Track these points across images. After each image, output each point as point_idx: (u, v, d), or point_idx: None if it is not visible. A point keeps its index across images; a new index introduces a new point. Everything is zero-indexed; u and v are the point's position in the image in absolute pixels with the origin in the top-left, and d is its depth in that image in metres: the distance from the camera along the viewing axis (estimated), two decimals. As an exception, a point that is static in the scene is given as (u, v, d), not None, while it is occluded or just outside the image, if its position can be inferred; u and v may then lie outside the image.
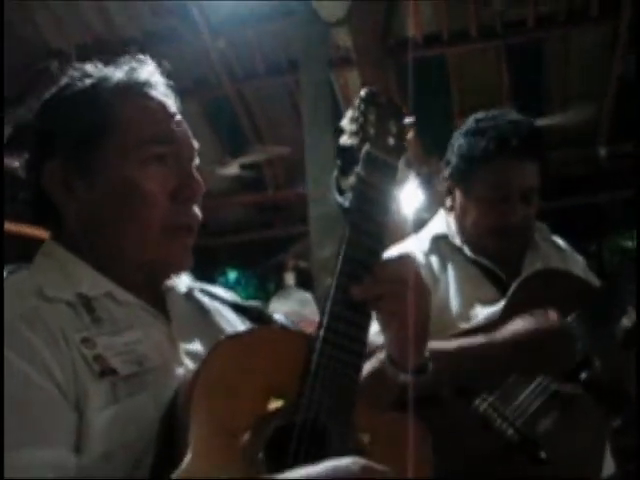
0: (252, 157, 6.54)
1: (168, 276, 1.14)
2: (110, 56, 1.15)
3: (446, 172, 1.85)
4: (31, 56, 5.56)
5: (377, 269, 1.06)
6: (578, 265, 1.91)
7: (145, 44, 5.36)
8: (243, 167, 6.43)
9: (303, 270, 6.70)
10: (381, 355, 1.13)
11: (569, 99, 5.96)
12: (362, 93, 1.16)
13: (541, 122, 4.94)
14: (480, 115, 1.84)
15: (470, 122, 1.84)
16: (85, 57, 1.15)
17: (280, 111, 6.46)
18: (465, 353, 1.60)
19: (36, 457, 0.87)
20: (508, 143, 1.74)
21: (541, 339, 1.57)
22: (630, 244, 6.20)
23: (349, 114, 1.16)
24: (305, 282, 5.75)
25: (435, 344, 1.59)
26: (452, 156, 1.84)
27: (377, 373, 1.12)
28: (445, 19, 5.60)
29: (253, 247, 7.38)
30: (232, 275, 7.63)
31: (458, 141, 1.84)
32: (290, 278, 6.96)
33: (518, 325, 1.60)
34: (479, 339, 1.62)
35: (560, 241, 1.95)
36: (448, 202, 1.88)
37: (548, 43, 5.77)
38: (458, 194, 1.84)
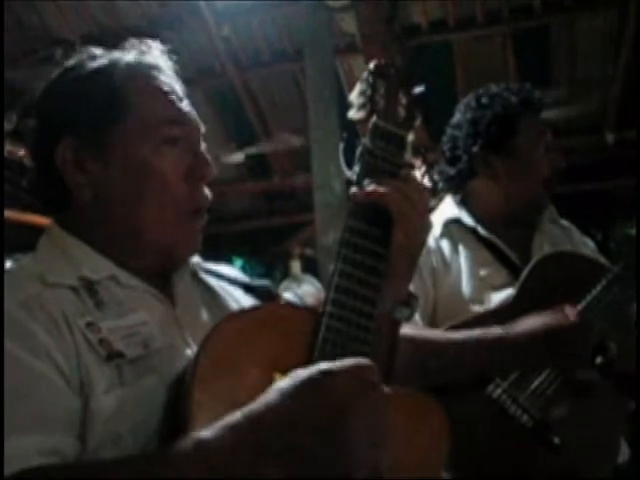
0: (259, 149, 6.54)
1: (183, 259, 1.14)
2: (115, 44, 1.15)
3: (475, 148, 1.82)
4: (35, 45, 5.55)
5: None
6: (588, 246, 1.91)
7: (150, 32, 5.34)
8: (248, 155, 6.43)
9: (309, 257, 6.70)
10: None
11: (575, 85, 5.92)
12: (371, 65, 1.15)
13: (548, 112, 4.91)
14: (482, 91, 1.86)
15: (481, 95, 1.84)
16: (89, 46, 1.15)
17: (285, 98, 6.44)
18: (481, 344, 1.59)
19: (33, 443, 0.87)
20: (534, 96, 1.83)
21: (558, 334, 1.55)
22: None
23: (357, 87, 1.15)
24: (311, 269, 5.75)
25: (452, 334, 1.60)
26: (478, 129, 1.82)
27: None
28: (451, 4, 5.57)
29: (259, 235, 7.38)
30: (238, 263, 7.63)
31: (477, 112, 1.83)
32: (296, 266, 6.96)
33: (536, 320, 1.58)
34: (496, 331, 1.60)
35: (567, 223, 1.95)
36: (486, 174, 1.84)
37: (555, 29, 5.72)
38: (497, 162, 1.82)
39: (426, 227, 1.11)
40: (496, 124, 1.80)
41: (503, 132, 1.80)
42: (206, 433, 0.83)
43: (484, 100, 1.83)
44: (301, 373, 0.85)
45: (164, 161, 1.07)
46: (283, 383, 0.85)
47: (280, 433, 0.81)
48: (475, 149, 1.82)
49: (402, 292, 1.11)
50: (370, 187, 1.06)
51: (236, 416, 0.84)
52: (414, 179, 1.10)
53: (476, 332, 1.61)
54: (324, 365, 0.86)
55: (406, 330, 1.51)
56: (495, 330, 1.60)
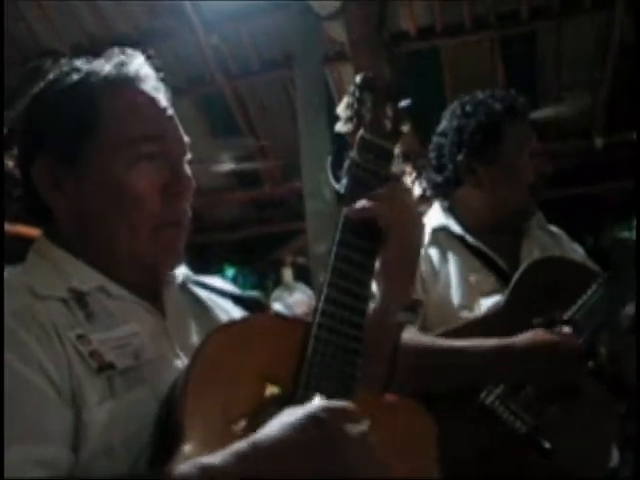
0: (249, 158, 6.55)
1: (160, 273, 1.12)
2: (104, 54, 1.14)
3: (460, 156, 1.82)
4: (24, 55, 5.55)
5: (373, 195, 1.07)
6: (577, 252, 1.92)
7: (139, 42, 5.35)
8: (238, 161, 6.43)
9: (301, 266, 6.71)
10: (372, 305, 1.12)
11: (563, 90, 5.96)
12: (357, 79, 1.16)
13: (536, 114, 4.94)
14: (467, 98, 1.86)
15: (466, 103, 1.85)
16: (79, 56, 1.14)
17: (275, 106, 6.46)
18: (480, 353, 1.60)
19: (26, 454, 0.86)
20: (519, 103, 1.83)
21: (554, 354, 1.57)
22: (627, 234, 6.21)
23: (344, 100, 1.16)
24: (303, 278, 5.75)
25: (451, 341, 1.61)
26: (462, 137, 1.83)
27: (372, 321, 1.10)
28: (439, 11, 5.60)
29: (250, 244, 7.38)
30: (229, 272, 7.63)
31: (461, 121, 1.83)
32: (288, 274, 6.97)
33: (536, 336, 1.59)
34: (493, 342, 1.61)
35: (555, 228, 1.96)
36: (471, 182, 1.84)
37: (542, 34, 5.77)
38: (481, 170, 1.82)
39: (419, 232, 1.13)
40: (480, 132, 1.81)
41: (487, 140, 1.80)
42: (212, 459, 0.84)
43: (468, 108, 1.84)
44: (302, 409, 0.88)
45: (139, 178, 1.05)
46: (286, 417, 0.87)
47: (285, 462, 0.84)
48: (460, 157, 1.82)
49: (405, 298, 1.12)
50: (360, 204, 1.07)
51: (242, 445, 0.85)
52: (402, 188, 1.11)
53: (475, 341, 1.62)
54: (322, 402, 0.90)
55: (405, 335, 1.52)
56: (493, 340, 1.61)
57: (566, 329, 1.61)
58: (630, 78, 5.20)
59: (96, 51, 1.14)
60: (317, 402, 0.89)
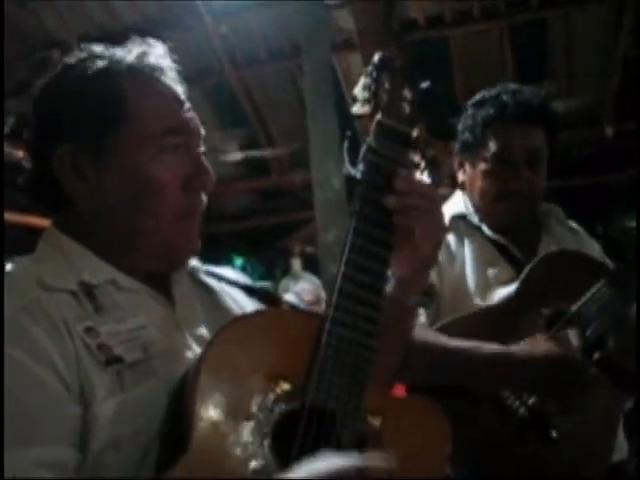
0: (257, 147, 6.54)
1: (181, 262, 1.13)
2: (113, 45, 1.13)
3: (456, 147, 1.87)
4: (32, 47, 5.54)
5: (405, 182, 1.06)
6: (594, 249, 1.91)
7: (147, 32, 5.32)
8: (246, 150, 6.43)
9: (309, 255, 6.70)
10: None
11: (573, 78, 5.92)
12: (375, 58, 1.13)
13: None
14: (486, 90, 1.87)
15: (475, 97, 1.87)
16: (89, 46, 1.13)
17: (283, 96, 6.44)
18: (477, 358, 1.60)
19: (31, 456, 0.87)
20: (506, 108, 1.79)
21: (555, 368, 1.56)
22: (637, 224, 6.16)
23: (361, 81, 1.13)
24: (311, 267, 5.74)
25: (466, 344, 1.60)
26: (459, 131, 1.87)
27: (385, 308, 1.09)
28: (447, 0, 5.56)
29: (258, 233, 7.37)
30: (238, 262, 7.63)
31: (464, 115, 1.87)
32: (296, 263, 6.96)
33: (540, 347, 1.58)
34: (495, 348, 1.61)
35: (575, 225, 1.95)
36: (460, 177, 1.89)
37: (551, 22, 5.72)
38: (467, 167, 1.86)
39: (444, 232, 1.14)
40: (467, 131, 1.84)
41: (470, 141, 1.83)
42: None
43: (473, 103, 1.87)
44: (329, 464, 0.85)
45: (162, 170, 1.05)
46: (311, 467, 0.85)
47: None
48: (456, 150, 1.87)
49: (420, 288, 1.13)
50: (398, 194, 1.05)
51: None
52: (429, 186, 1.10)
53: (477, 344, 1.62)
54: (349, 463, 0.86)
55: (421, 334, 1.52)
56: (495, 347, 1.61)
57: (571, 332, 1.60)
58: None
59: (104, 41, 1.13)
60: (346, 461, 0.86)
